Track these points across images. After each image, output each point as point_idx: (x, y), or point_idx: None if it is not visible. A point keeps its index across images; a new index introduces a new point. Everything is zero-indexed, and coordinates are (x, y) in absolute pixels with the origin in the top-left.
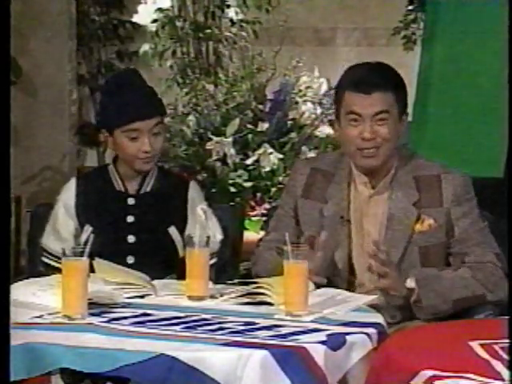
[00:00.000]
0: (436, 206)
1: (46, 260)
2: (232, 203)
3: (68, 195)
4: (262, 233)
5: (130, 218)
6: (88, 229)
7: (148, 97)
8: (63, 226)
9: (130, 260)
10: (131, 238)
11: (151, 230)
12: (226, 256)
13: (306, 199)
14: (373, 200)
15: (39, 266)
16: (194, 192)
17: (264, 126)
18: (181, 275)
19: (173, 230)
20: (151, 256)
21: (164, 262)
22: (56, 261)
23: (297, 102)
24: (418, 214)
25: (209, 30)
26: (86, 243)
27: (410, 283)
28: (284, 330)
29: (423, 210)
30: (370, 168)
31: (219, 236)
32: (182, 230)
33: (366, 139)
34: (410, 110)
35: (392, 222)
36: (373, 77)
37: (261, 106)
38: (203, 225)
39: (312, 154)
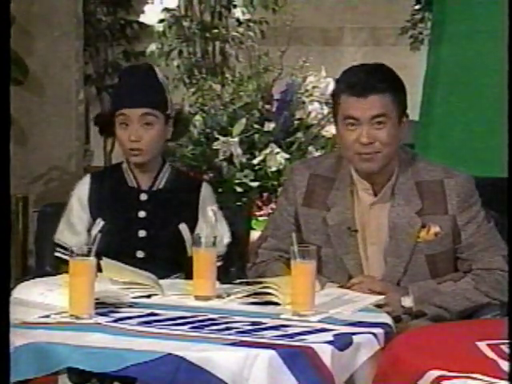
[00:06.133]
0: (441, 213)
1: (58, 255)
2: (239, 203)
3: (82, 190)
4: None
5: (142, 213)
6: (99, 222)
7: (147, 88)
8: (77, 219)
9: (140, 254)
10: (142, 233)
11: (162, 225)
12: (233, 256)
13: (307, 207)
14: (375, 208)
15: (46, 266)
16: (206, 192)
17: (271, 125)
18: (188, 274)
19: (183, 227)
20: (160, 251)
21: (172, 259)
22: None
23: (303, 102)
24: (422, 222)
25: (215, 30)
26: (95, 239)
27: (407, 302)
28: (291, 330)
29: (427, 218)
30: (370, 172)
31: (227, 239)
32: (192, 229)
33: (363, 144)
34: (417, 110)
35: (395, 232)
36: (369, 79)
37: (267, 106)
38: (212, 225)
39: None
